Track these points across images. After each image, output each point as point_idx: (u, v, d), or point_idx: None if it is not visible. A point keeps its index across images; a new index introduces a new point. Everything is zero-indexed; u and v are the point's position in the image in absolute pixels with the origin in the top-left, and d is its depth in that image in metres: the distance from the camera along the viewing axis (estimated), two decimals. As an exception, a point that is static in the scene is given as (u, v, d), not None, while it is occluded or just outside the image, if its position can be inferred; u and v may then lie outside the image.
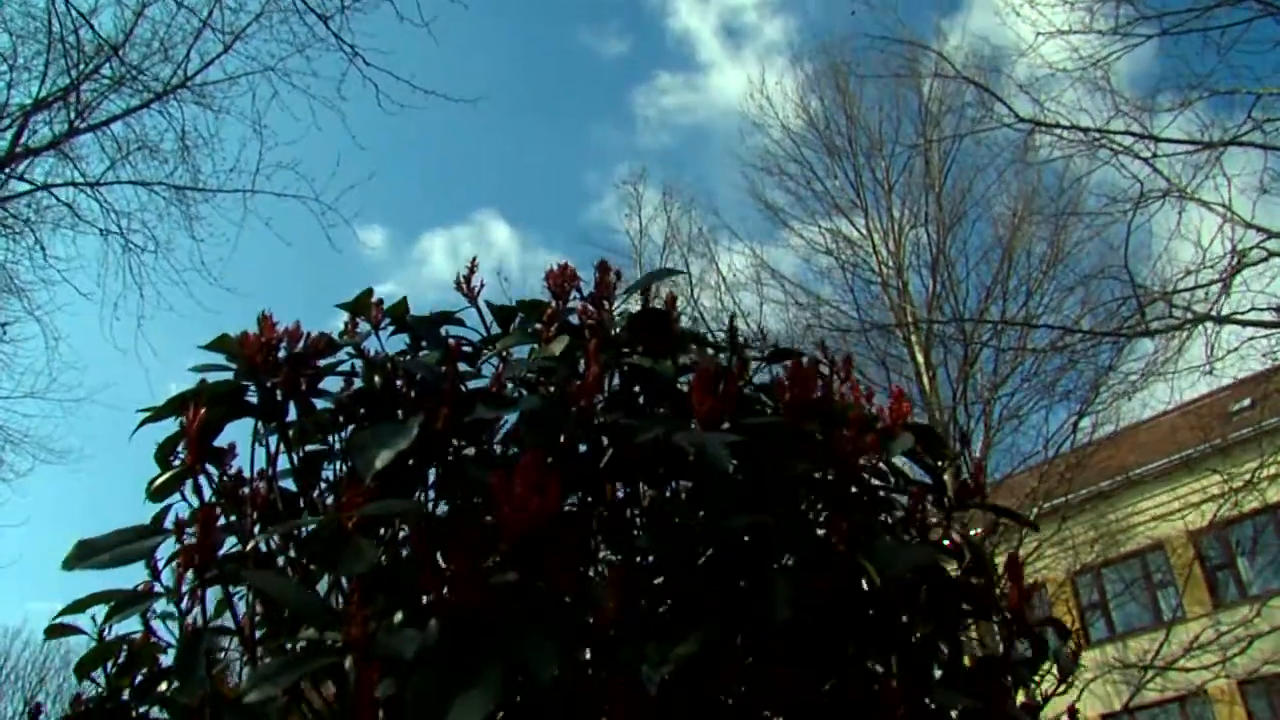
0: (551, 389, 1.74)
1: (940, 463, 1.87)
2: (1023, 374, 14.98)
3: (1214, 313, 9.33)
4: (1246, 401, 18.26)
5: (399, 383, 1.83)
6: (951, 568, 1.84)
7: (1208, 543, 19.33)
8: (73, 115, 12.23)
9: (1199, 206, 9.89)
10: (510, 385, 1.79)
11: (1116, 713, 17.23)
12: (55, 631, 1.92)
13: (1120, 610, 20.69)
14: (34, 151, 12.26)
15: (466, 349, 1.93)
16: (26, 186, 12.32)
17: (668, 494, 1.62)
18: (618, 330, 1.84)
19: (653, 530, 1.53)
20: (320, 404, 1.80)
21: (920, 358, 15.68)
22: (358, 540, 1.41)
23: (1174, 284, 9.92)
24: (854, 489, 1.59)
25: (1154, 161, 10.01)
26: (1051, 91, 10.83)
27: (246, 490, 1.75)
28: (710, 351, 1.94)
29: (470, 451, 1.73)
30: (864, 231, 16.76)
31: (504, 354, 1.89)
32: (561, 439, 1.58)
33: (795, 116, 17.64)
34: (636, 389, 1.80)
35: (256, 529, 1.54)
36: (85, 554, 1.43)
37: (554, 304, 1.93)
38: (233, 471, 1.84)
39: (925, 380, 15.68)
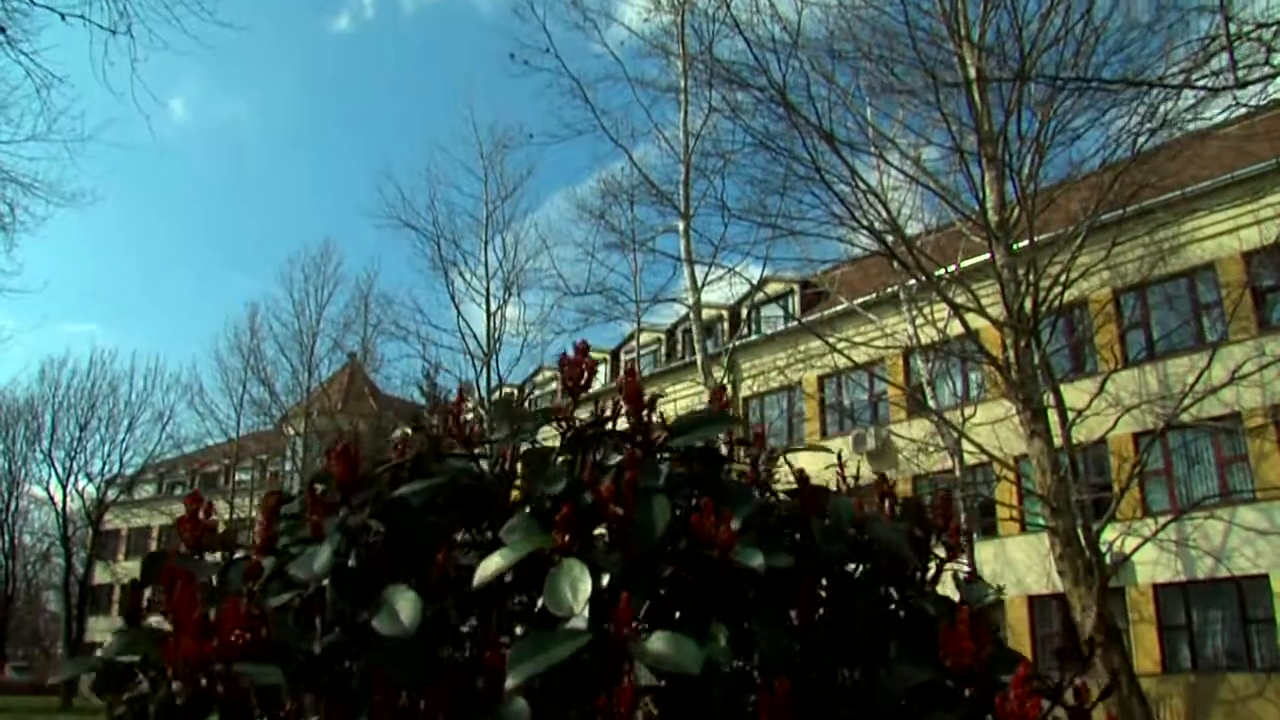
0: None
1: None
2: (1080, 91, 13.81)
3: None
4: (1325, 110, 16.97)
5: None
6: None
7: (1260, 265, 18.67)
8: None
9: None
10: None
11: (1151, 431, 17.26)
12: None
13: (1162, 330, 20.37)
14: None
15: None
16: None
17: None
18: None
19: None
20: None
21: (971, 69, 14.51)
22: None
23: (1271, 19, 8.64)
24: None
25: None
26: None
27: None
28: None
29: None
30: (913, -82, 15.10)
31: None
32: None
33: None
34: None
35: None
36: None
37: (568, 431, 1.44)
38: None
39: (975, 93, 14.61)
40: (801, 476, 1.51)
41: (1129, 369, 17.83)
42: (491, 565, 1.31)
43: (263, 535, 1.45)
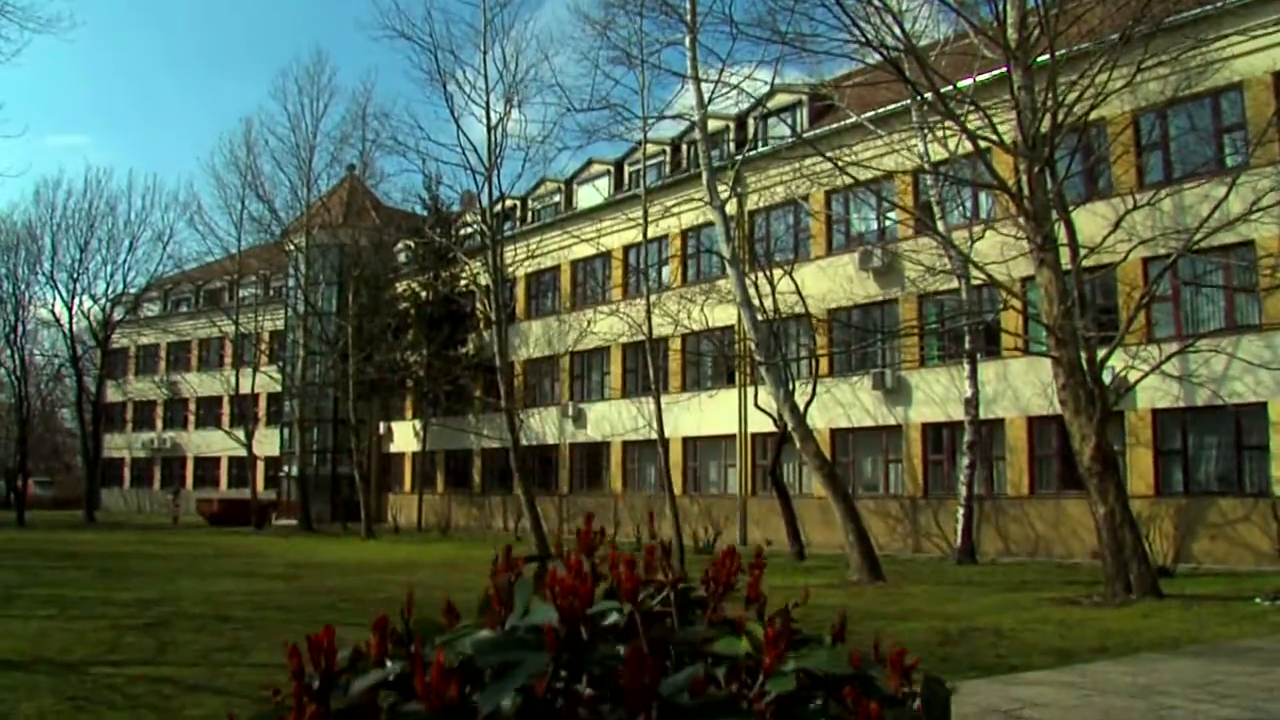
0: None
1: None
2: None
3: None
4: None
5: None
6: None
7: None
8: None
9: None
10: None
11: (1161, 257, 16.99)
12: None
13: (1180, 154, 19.75)
14: None
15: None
16: None
17: None
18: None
19: None
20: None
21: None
22: None
23: None
24: None
25: None
26: None
27: None
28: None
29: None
30: None
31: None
32: None
33: None
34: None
35: None
36: None
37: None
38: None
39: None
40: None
41: (1143, 194, 17.33)
42: None
43: None
